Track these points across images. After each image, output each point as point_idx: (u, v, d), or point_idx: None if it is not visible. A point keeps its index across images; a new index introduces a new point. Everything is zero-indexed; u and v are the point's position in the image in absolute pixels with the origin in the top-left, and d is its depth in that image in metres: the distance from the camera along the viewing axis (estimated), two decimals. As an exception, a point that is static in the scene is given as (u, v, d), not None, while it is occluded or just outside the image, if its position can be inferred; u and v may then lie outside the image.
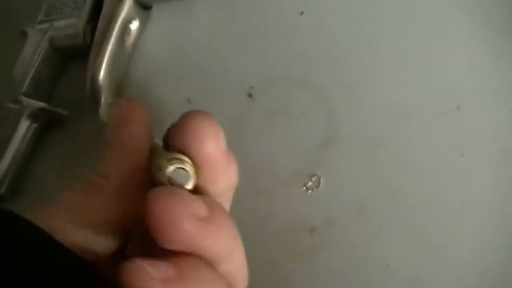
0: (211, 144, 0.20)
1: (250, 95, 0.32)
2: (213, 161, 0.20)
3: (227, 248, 0.19)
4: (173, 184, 0.19)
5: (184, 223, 0.17)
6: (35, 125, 0.35)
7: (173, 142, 0.20)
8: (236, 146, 0.31)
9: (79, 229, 0.19)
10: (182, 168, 0.19)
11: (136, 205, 0.20)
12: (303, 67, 0.32)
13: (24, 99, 0.34)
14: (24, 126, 0.34)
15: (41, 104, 0.34)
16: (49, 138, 0.35)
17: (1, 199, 0.34)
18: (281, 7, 0.34)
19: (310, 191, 0.29)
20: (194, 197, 0.18)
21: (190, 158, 0.20)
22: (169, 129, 0.22)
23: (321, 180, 0.29)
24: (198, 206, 0.18)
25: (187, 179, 0.19)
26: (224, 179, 0.21)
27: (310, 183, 0.29)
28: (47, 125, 0.35)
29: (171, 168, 0.19)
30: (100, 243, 0.20)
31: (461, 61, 0.30)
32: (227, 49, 0.34)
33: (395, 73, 0.31)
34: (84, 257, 0.18)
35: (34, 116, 0.34)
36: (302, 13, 0.34)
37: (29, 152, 0.35)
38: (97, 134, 0.32)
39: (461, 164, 0.28)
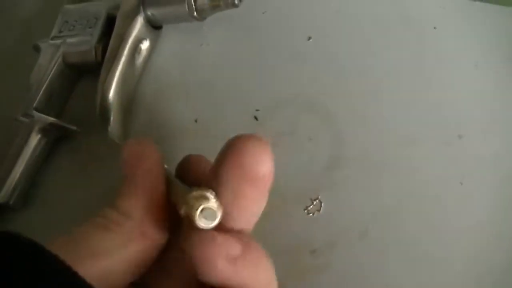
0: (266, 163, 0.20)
1: (256, 118, 0.33)
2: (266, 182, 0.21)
3: (266, 282, 0.21)
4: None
5: (217, 262, 0.19)
6: (45, 139, 0.35)
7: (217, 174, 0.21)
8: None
9: (98, 262, 0.20)
10: (209, 208, 0.20)
11: (154, 241, 0.22)
12: (309, 92, 0.33)
13: (35, 113, 0.35)
14: (34, 140, 0.35)
15: (52, 119, 0.35)
16: (59, 152, 0.36)
17: (11, 210, 0.35)
18: (289, 32, 0.35)
19: (311, 215, 0.30)
20: (226, 237, 0.20)
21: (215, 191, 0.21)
22: (185, 161, 0.25)
23: (322, 204, 0.30)
24: (230, 246, 0.19)
25: (215, 217, 0.20)
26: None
27: (311, 206, 0.30)
28: (57, 140, 0.36)
29: (199, 209, 0.20)
30: (118, 277, 0.21)
31: (464, 90, 0.31)
32: (234, 71, 0.35)
33: (400, 100, 0.31)
34: None
35: (45, 130, 0.35)
36: (309, 38, 0.34)
37: (38, 165, 0.35)
38: (105, 150, 0.33)
39: (460, 192, 0.29)
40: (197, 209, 0.20)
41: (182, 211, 0.21)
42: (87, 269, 0.19)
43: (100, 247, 0.21)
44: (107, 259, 0.20)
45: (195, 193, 0.21)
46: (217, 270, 0.19)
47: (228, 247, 0.19)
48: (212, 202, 0.20)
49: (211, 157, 0.26)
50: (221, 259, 0.19)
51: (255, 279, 0.20)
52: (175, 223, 0.24)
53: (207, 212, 0.20)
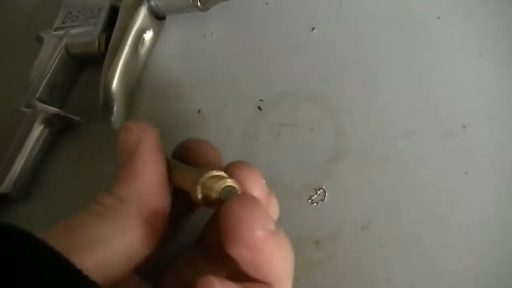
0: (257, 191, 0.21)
1: (259, 108, 0.33)
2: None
3: (286, 270, 0.20)
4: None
5: (256, 229, 0.18)
6: (48, 129, 0.35)
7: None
8: (243, 157, 0.32)
9: (95, 252, 0.19)
10: (231, 186, 0.20)
11: (154, 228, 0.21)
12: (312, 82, 0.33)
13: (38, 104, 0.34)
14: (37, 130, 0.34)
15: (55, 110, 0.35)
16: (62, 143, 0.36)
17: (13, 201, 0.34)
18: (292, 22, 0.35)
19: (315, 204, 0.30)
20: (267, 209, 0.19)
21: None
22: (185, 144, 0.25)
23: (326, 194, 0.30)
24: (269, 219, 0.19)
25: (236, 195, 0.20)
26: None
27: (315, 196, 0.30)
28: (60, 130, 0.36)
29: (220, 189, 0.20)
30: (117, 267, 0.20)
31: (468, 80, 0.31)
32: (238, 61, 0.35)
33: (403, 90, 0.31)
34: (100, 281, 0.18)
35: (47, 121, 0.35)
36: (313, 28, 0.34)
37: (41, 155, 0.35)
38: (108, 141, 0.33)
39: (465, 183, 0.29)
40: (217, 190, 0.20)
41: (199, 195, 0.20)
42: (84, 260, 0.18)
43: (96, 235, 0.20)
44: (104, 248, 0.19)
45: (210, 174, 0.20)
46: (254, 238, 0.18)
47: (267, 219, 0.19)
48: (230, 180, 0.20)
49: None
50: (260, 227, 0.18)
51: (279, 261, 0.19)
52: (177, 208, 0.23)
53: (227, 191, 0.20)
